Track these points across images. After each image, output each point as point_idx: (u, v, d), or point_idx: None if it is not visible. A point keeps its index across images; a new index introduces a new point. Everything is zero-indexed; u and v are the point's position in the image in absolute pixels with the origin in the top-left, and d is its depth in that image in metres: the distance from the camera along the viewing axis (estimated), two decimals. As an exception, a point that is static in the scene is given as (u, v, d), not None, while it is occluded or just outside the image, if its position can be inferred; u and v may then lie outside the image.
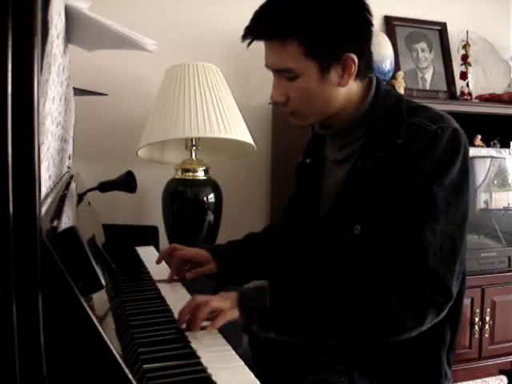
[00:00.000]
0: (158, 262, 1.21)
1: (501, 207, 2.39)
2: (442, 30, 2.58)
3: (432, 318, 0.88)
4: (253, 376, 0.71)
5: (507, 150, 2.37)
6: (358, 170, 0.96)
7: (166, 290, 1.09)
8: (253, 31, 0.95)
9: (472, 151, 2.26)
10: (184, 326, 0.84)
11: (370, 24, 0.96)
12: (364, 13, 0.95)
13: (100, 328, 0.49)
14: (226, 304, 0.86)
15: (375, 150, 0.95)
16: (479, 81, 2.58)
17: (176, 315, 0.92)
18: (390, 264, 0.88)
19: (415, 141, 0.91)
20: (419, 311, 0.86)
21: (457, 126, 0.94)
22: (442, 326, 0.97)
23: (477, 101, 2.44)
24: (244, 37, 0.96)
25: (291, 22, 0.91)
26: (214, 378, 0.68)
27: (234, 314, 0.86)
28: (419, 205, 0.89)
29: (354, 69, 0.94)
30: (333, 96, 0.96)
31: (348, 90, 0.97)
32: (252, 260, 1.18)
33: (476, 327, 2.23)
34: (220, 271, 1.13)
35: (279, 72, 0.96)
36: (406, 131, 0.93)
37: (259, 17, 0.94)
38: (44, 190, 0.63)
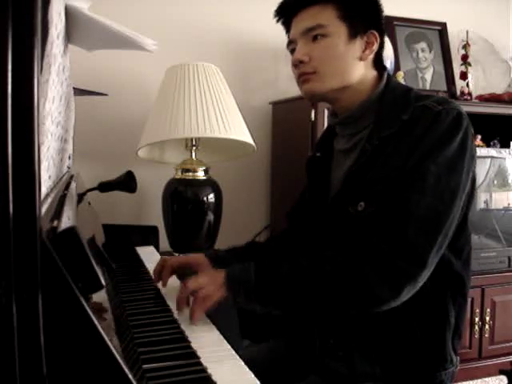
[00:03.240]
0: (157, 281, 1.12)
1: (501, 207, 2.39)
2: (442, 29, 2.58)
3: (408, 289, 0.89)
4: (253, 376, 0.71)
5: (507, 150, 2.37)
6: (366, 151, 0.99)
7: (166, 290, 1.09)
8: (293, 2, 1.04)
9: (472, 151, 2.26)
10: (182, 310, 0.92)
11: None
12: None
13: (100, 328, 0.49)
14: (215, 285, 0.91)
15: (382, 130, 0.98)
16: (479, 81, 2.58)
17: (176, 315, 0.92)
18: (368, 238, 0.91)
19: (420, 120, 0.94)
20: (394, 283, 0.88)
21: (462, 110, 0.96)
22: (446, 308, 0.99)
23: (477, 101, 2.44)
24: (282, 10, 1.06)
25: None
26: (213, 377, 0.68)
27: (221, 293, 0.91)
28: (410, 179, 0.91)
29: (376, 46, 1.03)
30: (352, 66, 1.02)
31: (365, 72, 1.04)
32: None
33: (476, 327, 2.23)
34: None
35: (308, 32, 1.01)
36: (413, 111, 0.96)
37: None
38: (44, 190, 0.63)
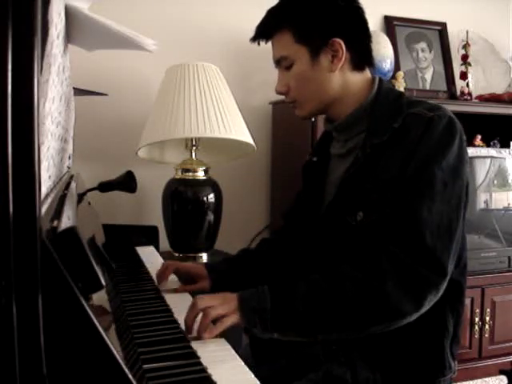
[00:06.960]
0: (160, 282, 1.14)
1: (501, 207, 2.39)
2: (442, 29, 2.58)
3: (430, 299, 0.88)
4: (253, 376, 0.71)
5: (507, 150, 2.37)
6: (359, 159, 0.98)
7: (165, 290, 1.09)
8: (258, 35, 1.08)
9: (472, 151, 2.26)
10: (194, 333, 0.83)
11: (359, 12, 1.02)
12: (352, 1, 1.02)
13: (100, 328, 0.49)
14: (228, 309, 0.86)
15: (374, 138, 0.97)
16: (479, 81, 2.58)
17: (176, 315, 0.92)
18: (385, 248, 0.89)
19: (413, 127, 0.94)
20: (417, 293, 0.87)
21: (453, 115, 0.96)
22: (444, 317, 0.98)
23: (477, 101, 2.44)
24: (253, 40, 1.09)
25: (282, 16, 1.03)
26: (213, 377, 0.68)
27: (234, 319, 0.85)
28: (416, 186, 0.90)
29: (342, 54, 0.99)
30: (326, 82, 1.02)
31: (345, 78, 1.02)
32: (246, 276, 1.18)
33: (476, 327, 2.23)
34: (213, 288, 1.13)
35: (279, 63, 1.05)
36: (404, 119, 0.96)
37: (261, 23, 1.08)
38: (44, 190, 0.63)
